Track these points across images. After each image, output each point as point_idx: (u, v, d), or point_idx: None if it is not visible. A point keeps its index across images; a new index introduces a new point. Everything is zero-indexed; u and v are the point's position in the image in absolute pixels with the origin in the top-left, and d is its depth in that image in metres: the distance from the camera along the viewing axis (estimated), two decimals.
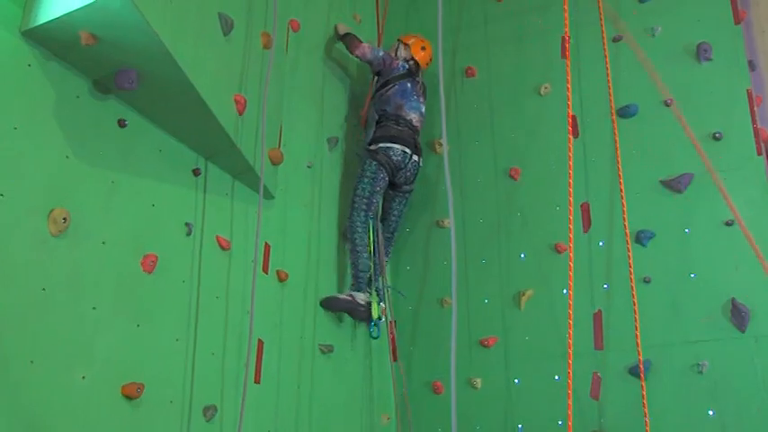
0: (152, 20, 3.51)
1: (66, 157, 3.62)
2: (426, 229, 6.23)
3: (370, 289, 5.54)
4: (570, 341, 3.73)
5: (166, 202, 4.19)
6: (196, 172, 4.42)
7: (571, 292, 3.73)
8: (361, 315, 5.45)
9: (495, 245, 5.93)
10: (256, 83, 4.67)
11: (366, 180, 5.56)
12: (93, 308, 3.62)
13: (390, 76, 5.86)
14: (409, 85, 5.88)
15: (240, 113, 4.41)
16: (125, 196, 3.92)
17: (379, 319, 5.59)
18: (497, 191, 6.03)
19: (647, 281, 5.29)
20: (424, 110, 5.96)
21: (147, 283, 3.96)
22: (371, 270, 5.60)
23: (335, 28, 6.04)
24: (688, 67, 5.62)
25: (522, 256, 5.80)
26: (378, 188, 5.60)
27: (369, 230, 5.62)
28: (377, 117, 5.85)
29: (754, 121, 5.36)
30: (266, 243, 4.80)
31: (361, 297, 5.40)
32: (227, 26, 4.35)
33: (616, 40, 5.80)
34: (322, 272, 5.49)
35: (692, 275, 5.22)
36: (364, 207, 5.53)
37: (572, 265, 3.76)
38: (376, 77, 6.03)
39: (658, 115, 5.61)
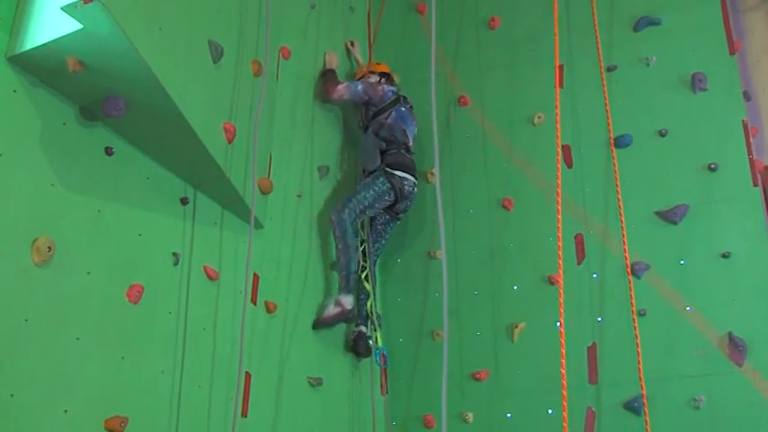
0: (141, 47, 3.46)
1: (52, 185, 3.54)
2: (418, 259, 6.18)
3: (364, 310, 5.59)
4: (564, 375, 3.66)
5: (153, 232, 4.10)
6: (184, 201, 4.34)
7: (562, 322, 3.65)
8: (354, 318, 5.50)
9: (487, 276, 5.87)
10: (246, 111, 4.61)
11: (372, 192, 5.52)
12: (77, 339, 3.51)
13: (382, 104, 5.84)
14: (403, 109, 5.88)
15: (229, 142, 4.35)
16: (111, 225, 3.83)
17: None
18: (490, 221, 5.98)
19: (642, 313, 5.24)
20: (416, 131, 6.00)
21: (133, 314, 3.86)
22: (370, 303, 5.58)
23: (325, 57, 6.00)
24: (683, 97, 5.61)
25: (516, 287, 5.74)
26: (377, 205, 5.58)
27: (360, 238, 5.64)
28: (383, 145, 5.75)
29: (749, 152, 5.35)
30: (255, 273, 4.72)
31: (349, 302, 5.32)
32: (216, 53, 4.30)
33: (610, 69, 5.77)
34: (310, 303, 5.39)
35: (689, 308, 5.17)
36: (357, 212, 5.46)
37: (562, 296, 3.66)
38: (365, 108, 5.97)
39: (653, 145, 5.59)
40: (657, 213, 5.43)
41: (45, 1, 3.45)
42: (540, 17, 6.13)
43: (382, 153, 5.73)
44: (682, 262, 5.31)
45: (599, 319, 5.35)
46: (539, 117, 5.94)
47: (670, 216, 5.37)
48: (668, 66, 5.71)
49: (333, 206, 5.59)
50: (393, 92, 5.93)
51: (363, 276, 5.71)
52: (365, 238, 5.80)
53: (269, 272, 4.93)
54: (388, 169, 5.63)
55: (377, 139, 5.79)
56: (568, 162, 5.72)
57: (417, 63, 6.53)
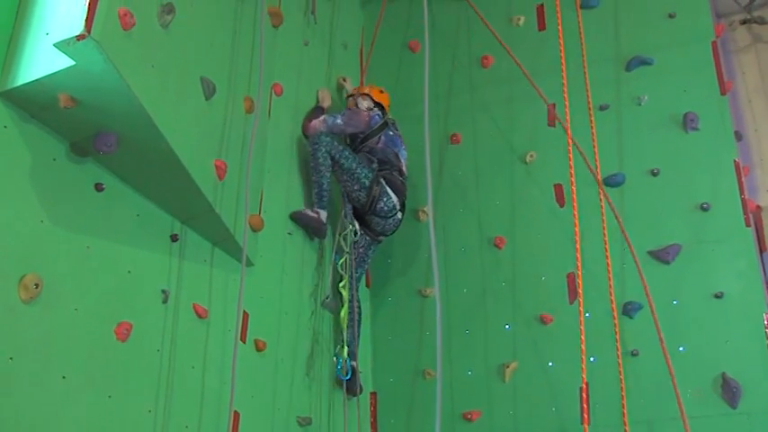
0: (133, 84, 3.46)
1: (41, 221, 3.51)
2: (409, 298, 6.13)
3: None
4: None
5: (143, 269, 4.06)
6: (174, 238, 4.31)
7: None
8: (324, 234, 5.52)
9: (479, 315, 5.83)
10: (238, 148, 4.60)
11: (352, 166, 5.50)
12: (63, 377, 3.46)
13: (370, 130, 5.80)
14: (391, 133, 5.87)
15: (221, 179, 4.33)
16: (100, 262, 3.79)
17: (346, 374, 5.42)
18: (482, 260, 5.95)
19: (634, 354, 5.21)
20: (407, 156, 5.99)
21: (121, 352, 3.81)
22: (344, 314, 5.48)
23: (318, 94, 6.00)
24: (675, 137, 5.63)
25: (507, 326, 5.70)
26: (343, 178, 5.53)
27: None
28: (376, 164, 5.69)
29: (741, 192, 5.36)
30: (244, 311, 4.68)
31: (324, 216, 5.46)
32: (209, 90, 4.29)
33: (603, 108, 5.79)
34: (300, 342, 5.34)
35: (681, 349, 5.14)
36: (329, 150, 5.42)
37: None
38: (351, 136, 5.93)
39: (645, 185, 5.60)
40: (650, 253, 5.41)
41: (38, 37, 3.46)
42: (532, 57, 6.16)
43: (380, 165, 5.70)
44: (675, 302, 5.28)
45: (591, 359, 5.30)
46: (530, 156, 5.95)
47: (663, 256, 5.36)
48: (660, 105, 5.73)
49: (318, 122, 5.62)
50: (380, 116, 5.91)
51: (341, 285, 5.53)
52: (348, 250, 5.62)
53: (259, 310, 4.89)
54: (380, 175, 5.60)
55: (371, 156, 5.73)
56: (560, 201, 5.71)
57: (410, 100, 6.53)
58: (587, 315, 5.43)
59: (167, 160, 3.87)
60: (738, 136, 5.80)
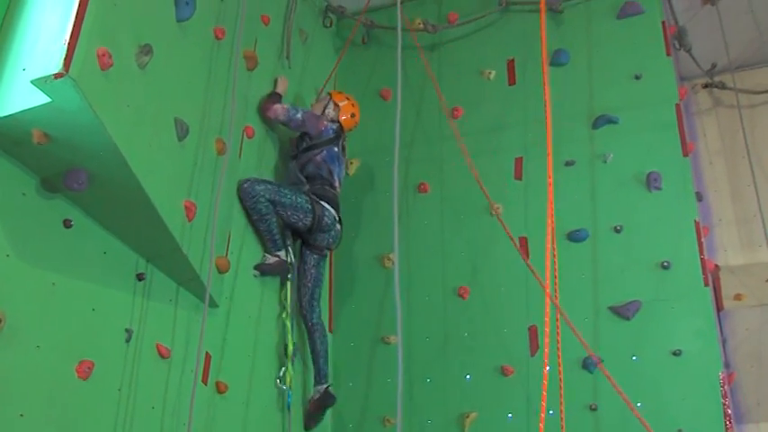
0: (108, 123, 3.48)
1: (7, 255, 3.49)
2: (371, 344, 6.11)
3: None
4: None
5: (107, 307, 4.04)
6: (140, 276, 4.30)
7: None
8: (288, 270, 5.56)
9: (440, 364, 5.83)
10: (208, 189, 4.61)
11: (293, 198, 5.45)
12: (21, 415, 3.42)
13: (319, 140, 5.77)
14: (336, 149, 5.85)
15: (189, 220, 4.34)
16: (65, 299, 3.77)
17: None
18: (445, 309, 5.96)
19: (593, 408, 5.25)
20: (344, 175, 6.01)
21: (81, 391, 3.78)
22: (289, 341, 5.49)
23: (277, 80, 5.92)
24: (638, 195, 5.71)
25: (468, 377, 5.71)
26: (290, 213, 5.44)
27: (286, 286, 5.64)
28: (303, 178, 5.69)
29: (701, 252, 5.44)
30: (207, 353, 4.66)
31: (284, 254, 5.50)
32: (182, 131, 4.32)
33: (569, 164, 5.88)
34: (262, 384, 5.30)
35: (639, 405, 5.15)
36: (272, 199, 5.33)
37: None
38: (299, 137, 5.89)
39: (608, 241, 5.67)
40: (611, 308, 5.48)
41: (14, 72, 3.47)
42: (502, 110, 6.27)
43: (308, 184, 5.68)
44: (634, 358, 5.34)
45: (551, 412, 5.32)
46: (497, 208, 6.01)
47: (623, 312, 5.42)
48: (625, 163, 5.82)
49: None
50: (333, 130, 5.87)
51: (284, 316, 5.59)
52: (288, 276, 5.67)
53: (221, 351, 4.87)
54: (313, 196, 5.59)
55: (300, 174, 5.72)
56: (525, 254, 5.77)
57: (379, 147, 6.59)
58: (547, 368, 5.48)
59: (138, 199, 3.88)
60: (699, 196, 5.91)
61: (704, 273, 5.40)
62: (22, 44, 3.53)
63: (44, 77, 3.25)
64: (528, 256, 5.70)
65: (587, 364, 5.35)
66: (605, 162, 5.87)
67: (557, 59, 6.22)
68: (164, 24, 4.26)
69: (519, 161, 6.04)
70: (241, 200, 5.28)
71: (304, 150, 5.78)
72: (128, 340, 4.14)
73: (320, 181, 5.70)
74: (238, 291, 5.14)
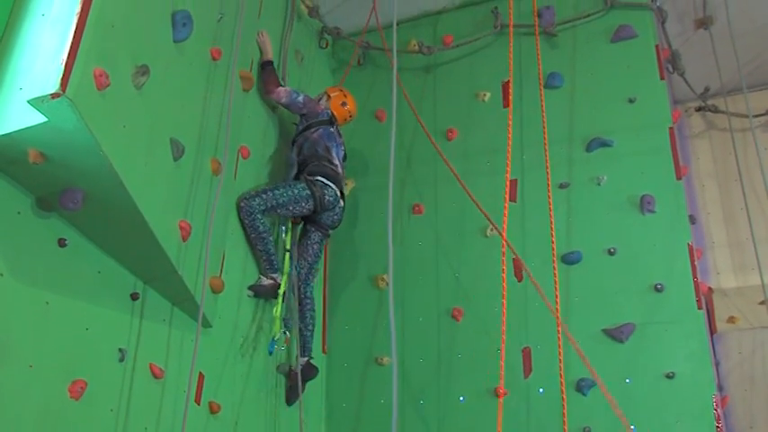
0: (104, 143, 3.49)
1: (1, 274, 3.49)
2: (364, 365, 6.11)
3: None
4: None
5: (101, 326, 4.03)
6: (134, 296, 4.29)
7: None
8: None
9: (434, 386, 5.81)
10: (203, 209, 4.62)
11: (289, 193, 5.49)
12: None
13: (315, 119, 5.86)
14: (332, 129, 5.92)
15: (184, 240, 4.34)
16: (58, 318, 3.76)
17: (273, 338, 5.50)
18: (439, 331, 5.96)
19: (586, 431, 5.23)
20: (343, 155, 6.04)
21: (74, 411, 3.76)
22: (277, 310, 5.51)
23: (259, 43, 5.90)
24: (631, 218, 5.71)
25: (462, 399, 5.70)
26: (291, 209, 5.52)
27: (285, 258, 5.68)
28: (301, 158, 5.76)
29: (694, 275, 5.43)
30: (200, 373, 4.64)
31: (279, 277, 5.50)
32: (178, 151, 4.33)
33: (563, 186, 5.90)
34: (255, 405, 5.30)
35: (633, 427, 5.16)
36: (268, 206, 5.39)
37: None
38: (300, 120, 5.96)
39: (602, 264, 5.66)
40: (605, 331, 5.48)
41: (11, 92, 3.48)
42: (496, 132, 6.29)
43: (304, 165, 5.73)
44: (627, 381, 5.33)
45: None
46: (491, 230, 6.02)
47: (617, 334, 5.42)
48: (618, 186, 5.83)
49: (244, 194, 5.49)
50: (328, 114, 5.95)
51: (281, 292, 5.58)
52: (289, 248, 5.77)
53: (215, 371, 4.86)
54: (308, 177, 5.61)
55: (298, 155, 5.81)
56: (518, 276, 5.77)
57: (374, 169, 6.62)
58: (540, 391, 5.48)
59: (133, 219, 3.89)
60: (692, 219, 5.92)
61: (697, 295, 5.39)
62: (20, 64, 3.54)
63: (41, 97, 3.27)
64: (522, 278, 5.71)
65: (581, 387, 5.35)
66: (599, 185, 5.88)
67: (551, 82, 6.24)
68: (161, 45, 4.28)
69: (513, 183, 6.06)
70: (240, 218, 5.33)
71: (301, 132, 5.86)
72: (121, 360, 4.13)
73: (317, 159, 5.73)
74: (232, 311, 5.14)
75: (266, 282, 5.43)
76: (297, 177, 5.72)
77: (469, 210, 5.96)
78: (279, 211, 5.48)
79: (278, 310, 5.48)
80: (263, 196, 5.40)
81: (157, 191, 4.10)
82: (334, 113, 6.04)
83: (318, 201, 5.57)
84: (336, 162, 5.82)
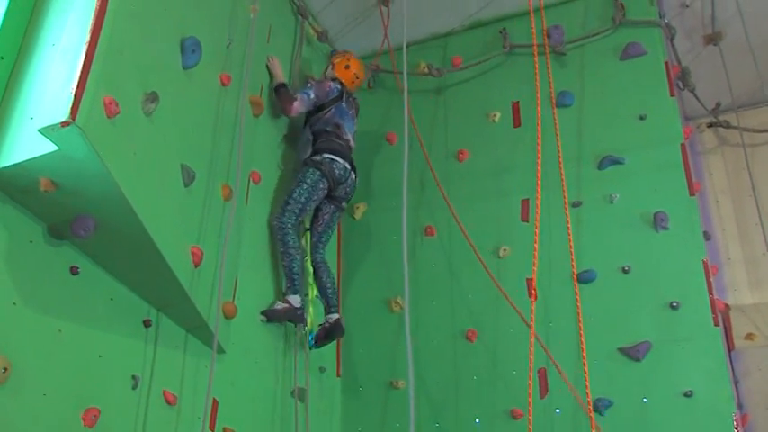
0: (114, 170, 3.50)
1: (14, 303, 3.50)
2: (380, 389, 6.08)
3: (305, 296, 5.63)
4: None
5: (114, 354, 4.03)
6: (147, 323, 4.29)
7: None
8: (300, 318, 5.49)
9: (450, 408, 5.78)
10: (214, 235, 4.63)
11: (305, 187, 5.56)
12: None
13: (327, 100, 5.93)
14: (344, 104, 5.98)
15: (196, 266, 4.34)
16: (71, 346, 3.77)
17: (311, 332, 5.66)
18: (454, 353, 5.93)
19: None
20: (356, 129, 6.12)
21: None
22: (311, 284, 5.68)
23: (269, 68, 5.96)
24: (645, 236, 5.68)
25: (477, 421, 5.66)
26: (315, 197, 5.62)
27: (300, 235, 5.74)
28: (312, 137, 5.87)
29: (710, 292, 5.38)
30: (214, 399, 4.63)
31: (297, 300, 5.42)
32: (188, 177, 4.34)
33: (575, 205, 5.88)
34: (268, 430, 5.27)
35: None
36: (297, 212, 5.51)
37: None
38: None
39: (616, 282, 5.63)
40: (621, 350, 5.43)
41: (22, 121, 3.51)
42: (507, 152, 6.29)
43: (315, 140, 5.84)
44: (644, 400, 5.28)
45: None
46: (504, 250, 6.00)
47: (633, 353, 5.37)
48: (631, 204, 5.80)
49: (273, 211, 5.68)
50: (338, 89, 5.99)
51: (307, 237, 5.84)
52: (308, 227, 5.91)
53: (229, 397, 4.83)
54: (314, 157, 5.69)
55: (309, 131, 5.92)
56: (533, 296, 5.74)
57: (386, 191, 6.63)
58: (557, 411, 5.44)
59: (144, 246, 3.89)
60: (707, 236, 5.88)
61: (714, 312, 5.34)
62: (31, 93, 3.57)
63: (51, 126, 3.29)
64: (535, 297, 5.68)
65: (598, 407, 5.29)
66: (612, 203, 5.86)
67: (561, 101, 6.24)
68: (170, 72, 4.31)
69: (525, 203, 6.04)
70: (273, 237, 5.55)
71: (315, 113, 5.94)
72: (135, 387, 4.12)
73: (325, 135, 5.82)
74: (246, 336, 5.13)
75: (280, 306, 5.42)
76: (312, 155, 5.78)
77: (481, 230, 5.97)
78: (308, 207, 5.60)
79: (312, 293, 5.69)
80: (289, 207, 5.49)
81: (168, 217, 4.11)
82: (340, 77, 6.11)
83: (329, 177, 5.64)
84: (347, 137, 5.92)
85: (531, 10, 5.76)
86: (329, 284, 5.83)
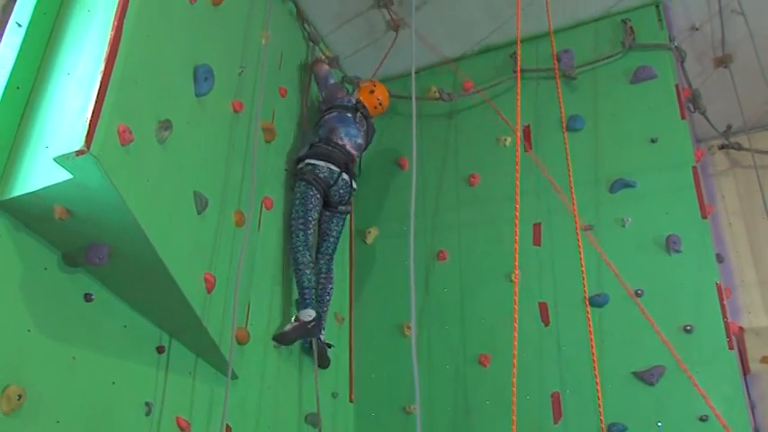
0: (128, 198, 3.52)
1: (28, 330, 3.52)
2: (393, 414, 6.04)
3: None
4: None
5: (127, 380, 4.04)
6: (160, 349, 4.30)
7: None
8: (312, 332, 5.39)
9: None
10: (227, 261, 4.65)
11: (298, 202, 5.58)
12: None
13: (332, 103, 6.02)
14: (350, 115, 6.00)
15: (209, 292, 4.36)
16: (85, 373, 3.78)
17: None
18: (466, 378, 5.90)
19: None
20: (361, 141, 6.05)
21: None
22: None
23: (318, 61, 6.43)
24: (658, 259, 5.66)
25: None
26: (311, 206, 5.59)
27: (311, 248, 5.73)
28: (308, 145, 5.94)
29: (724, 315, 5.35)
30: (227, 425, 4.62)
31: (307, 314, 5.32)
32: (201, 204, 4.37)
33: (586, 229, 5.87)
34: None
35: None
36: (301, 227, 5.52)
37: None
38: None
39: (629, 305, 5.58)
40: (634, 373, 5.40)
41: (37, 149, 3.54)
42: (520, 176, 6.28)
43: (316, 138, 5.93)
44: (659, 424, 5.24)
45: None
46: (516, 274, 5.99)
47: (647, 377, 5.34)
48: (643, 227, 5.79)
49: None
50: (353, 103, 6.09)
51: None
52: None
53: (242, 423, 4.82)
54: (299, 165, 5.74)
55: (312, 137, 6.02)
56: (545, 320, 5.73)
57: (397, 216, 6.64)
58: None
59: (158, 273, 3.91)
60: (720, 258, 5.86)
61: (728, 336, 5.30)
62: (46, 122, 3.61)
63: (66, 155, 3.31)
64: (549, 322, 5.67)
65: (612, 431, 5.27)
66: (624, 226, 5.85)
67: (572, 125, 6.24)
68: (183, 99, 4.35)
69: (537, 227, 6.04)
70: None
71: (322, 116, 6.03)
72: (148, 414, 4.12)
73: (318, 141, 5.87)
74: (258, 362, 5.12)
75: (289, 327, 5.35)
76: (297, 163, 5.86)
77: (493, 254, 5.96)
78: (310, 219, 5.57)
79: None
80: (293, 227, 5.55)
81: (182, 244, 4.13)
82: (363, 101, 6.20)
83: (315, 183, 5.63)
84: (342, 142, 5.88)
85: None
86: (322, 290, 5.80)
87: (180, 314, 4.21)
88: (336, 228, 5.98)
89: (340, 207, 5.92)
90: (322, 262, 5.91)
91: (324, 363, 5.63)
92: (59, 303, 3.74)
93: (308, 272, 5.43)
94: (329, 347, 5.70)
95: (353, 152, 5.95)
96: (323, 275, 5.85)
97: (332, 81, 6.19)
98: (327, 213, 5.92)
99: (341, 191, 5.81)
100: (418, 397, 3.06)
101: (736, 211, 7.45)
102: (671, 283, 5.56)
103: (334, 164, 5.73)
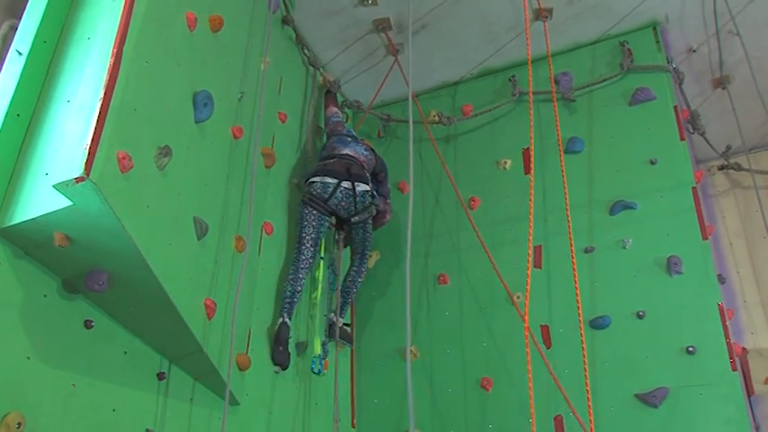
0: (128, 225, 3.52)
1: (28, 357, 3.50)
2: None
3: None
4: None
5: (128, 407, 4.02)
6: (161, 376, 4.29)
7: None
8: (279, 338, 5.28)
9: None
10: (227, 286, 4.63)
11: (301, 226, 5.68)
12: None
13: (333, 135, 6.18)
14: (349, 138, 6.13)
15: (209, 318, 4.34)
16: (85, 400, 3.76)
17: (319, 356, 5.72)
18: (468, 401, 5.87)
19: None
20: (365, 151, 6.09)
21: None
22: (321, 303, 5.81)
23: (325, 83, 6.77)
24: (659, 280, 5.65)
25: None
26: (305, 223, 5.65)
27: (319, 267, 5.96)
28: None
29: (726, 336, 5.33)
30: None
31: (279, 321, 5.32)
32: (201, 230, 4.36)
33: (588, 251, 5.87)
34: None
35: None
36: (296, 244, 5.62)
37: None
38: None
39: (631, 327, 5.59)
40: (637, 396, 5.38)
41: (37, 176, 3.54)
42: (518, 200, 6.29)
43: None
44: None
45: None
46: (518, 297, 5.97)
47: (650, 399, 5.31)
48: (644, 249, 5.79)
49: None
50: (352, 133, 6.34)
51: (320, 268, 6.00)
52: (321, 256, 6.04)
53: None
54: (305, 191, 5.79)
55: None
56: (547, 342, 5.71)
57: (398, 240, 6.64)
58: None
59: (158, 299, 3.90)
60: (721, 279, 5.85)
61: (731, 357, 5.28)
62: (46, 149, 3.61)
63: (66, 182, 3.31)
64: (551, 345, 5.65)
65: None
66: (625, 248, 5.84)
67: (571, 147, 6.27)
68: (182, 126, 4.35)
69: (538, 250, 6.04)
70: None
71: (324, 145, 6.19)
72: None
73: (318, 162, 5.97)
74: (260, 387, 5.10)
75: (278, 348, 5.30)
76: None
77: (494, 278, 5.94)
78: (304, 235, 5.62)
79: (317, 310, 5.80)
80: (297, 247, 5.62)
81: (182, 270, 4.12)
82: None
83: (312, 202, 5.68)
84: (344, 152, 5.93)
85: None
86: (351, 281, 6.03)
87: (180, 340, 4.20)
88: (360, 235, 6.02)
89: (353, 218, 5.87)
90: (347, 279, 6.07)
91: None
92: (59, 330, 3.73)
93: (293, 282, 5.46)
94: (347, 327, 6.04)
95: (360, 158, 5.95)
96: (354, 269, 6.03)
97: (335, 119, 6.37)
98: (345, 228, 6.05)
99: (342, 202, 5.75)
100: (413, 420, 3.04)
101: (736, 231, 7.45)
102: (673, 304, 5.55)
103: (329, 176, 5.73)
